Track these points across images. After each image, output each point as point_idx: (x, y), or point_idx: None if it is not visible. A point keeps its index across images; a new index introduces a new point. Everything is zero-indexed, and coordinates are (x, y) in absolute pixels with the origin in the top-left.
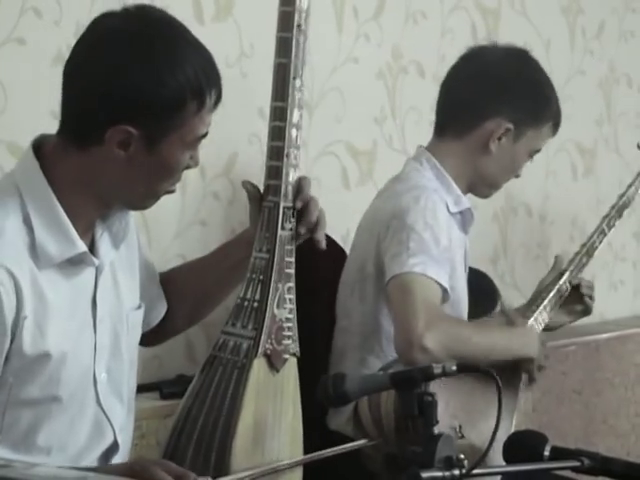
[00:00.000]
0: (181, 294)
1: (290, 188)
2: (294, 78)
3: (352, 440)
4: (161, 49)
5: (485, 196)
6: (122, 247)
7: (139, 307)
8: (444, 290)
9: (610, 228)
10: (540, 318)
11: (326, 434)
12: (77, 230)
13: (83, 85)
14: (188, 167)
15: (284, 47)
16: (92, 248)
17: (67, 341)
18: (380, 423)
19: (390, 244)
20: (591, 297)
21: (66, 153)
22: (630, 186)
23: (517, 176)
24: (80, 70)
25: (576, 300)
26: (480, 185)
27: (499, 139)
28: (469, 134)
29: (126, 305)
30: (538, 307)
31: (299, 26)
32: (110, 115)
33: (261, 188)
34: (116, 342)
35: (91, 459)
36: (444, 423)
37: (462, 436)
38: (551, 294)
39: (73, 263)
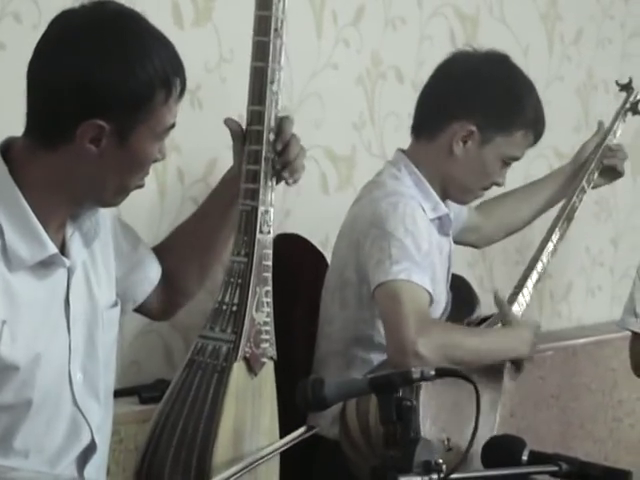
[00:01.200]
0: (184, 256)
1: (269, 191)
2: (271, 82)
3: (336, 443)
4: (127, 41)
5: (461, 202)
6: (95, 245)
7: (115, 304)
8: (429, 294)
9: (590, 184)
10: (522, 300)
11: (308, 438)
12: (48, 231)
13: (52, 82)
14: (156, 160)
15: (261, 51)
16: (63, 248)
17: (40, 342)
18: (368, 431)
19: (371, 252)
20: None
21: (34, 154)
22: (610, 129)
23: (498, 184)
24: (47, 68)
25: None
26: (452, 190)
27: (464, 142)
28: (438, 136)
29: (101, 304)
30: (520, 290)
31: (276, 30)
32: (81, 110)
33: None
34: (91, 342)
35: (69, 460)
36: (433, 437)
37: (450, 449)
38: (533, 275)
39: (44, 265)
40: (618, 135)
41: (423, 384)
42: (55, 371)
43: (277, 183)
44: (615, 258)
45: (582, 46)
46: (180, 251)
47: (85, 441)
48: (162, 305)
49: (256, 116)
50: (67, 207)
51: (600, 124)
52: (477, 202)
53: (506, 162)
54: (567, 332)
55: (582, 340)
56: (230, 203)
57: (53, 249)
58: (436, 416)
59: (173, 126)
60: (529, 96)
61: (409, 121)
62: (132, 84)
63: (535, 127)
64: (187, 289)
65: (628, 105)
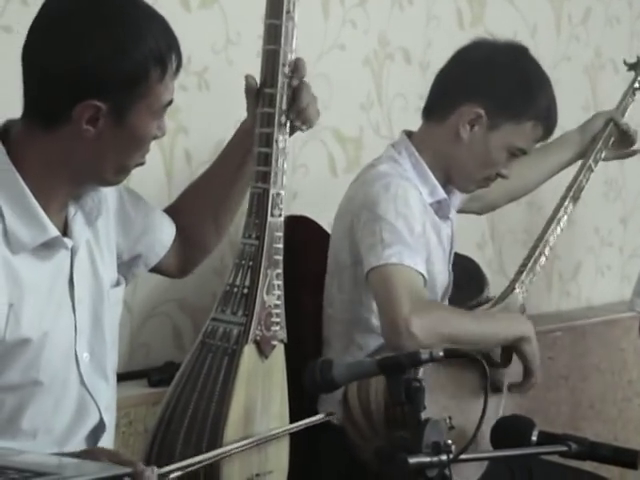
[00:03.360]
0: (199, 211)
1: (280, 175)
2: (283, 65)
3: (341, 428)
4: (120, 20)
5: (464, 189)
6: (99, 224)
7: (118, 284)
8: (422, 276)
9: (597, 162)
10: (527, 280)
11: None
12: (49, 213)
13: (47, 65)
14: (156, 137)
15: (273, 34)
16: (66, 229)
17: (45, 324)
18: (370, 414)
19: (363, 235)
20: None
21: (33, 136)
22: (618, 107)
23: (502, 176)
24: (42, 51)
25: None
26: (455, 175)
27: (472, 126)
28: (447, 119)
29: (105, 283)
30: (524, 269)
31: (288, 12)
32: (77, 91)
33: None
34: (97, 321)
35: (78, 440)
36: (434, 416)
37: (452, 427)
38: (537, 256)
39: (46, 247)
40: (627, 114)
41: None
42: (61, 351)
43: (291, 134)
44: (624, 238)
45: (590, 25)
46: (195, 206)
47: (93, 421)
48: (180, 262)
49: (268, 98)
50: (67, 188)
51: None
52: None
53: (512, 153)
54: (576, 312)
55: (591, 320)
56: (244, 156)
57: (54, 231)
58: (438, 395)
59: (170, 102)
60: (543, 89)
61: (417, 102)
62: (126, 63)
63: (546, 121)
64: (204, 244)
65: (637, 84)
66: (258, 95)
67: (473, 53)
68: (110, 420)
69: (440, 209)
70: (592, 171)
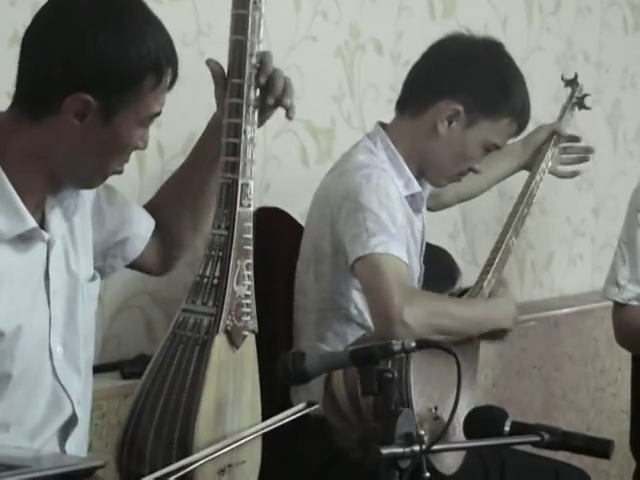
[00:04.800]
0: (177, 204)
1: (249, 165)
2: (250, 55)
3: (320, 420)
4: (126, 20)
5: (436, 184)
6: (75, 219)
7: (93, 278)
8: (406, 265)
9: (544, 173)
10: (492, 279)
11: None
12: (27, 205)
13: (46, 51)
14: (137, 148)
15: (240, 24)
16: (43, 222)
17: (20, 316)
18: (357, 402)
19: (346, 225)
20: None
21: (18, 126)
22: (560, 118)
23: (475, 171)
24: (43, 36)
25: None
26: (429, 170)
27: (449, 122)
28: (424, 113)
29: (81, 277)
30: (491, 268)
31: (255, 3)
32: (71, 82)
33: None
34: (71, 315)
35: (50, 433)
36: (421, 406)
37: (437, 417)
38: (499, 253)
39: (23, 239)
40: (566, 128)
41: (413, 355)
42: (35, 344)
43: (260, 124)
44: (596, 228)
45: (561, 16)
46: (172, 201)
47: (66, 414)
48: (160, 259)
49: (235, 89)
50: (47, 185)
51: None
52: None
53: (487, 148)
54: (549, 302)
55: (564, 310)
56: (218, 149)
57: (32, 223)
58: (423, 385)
59: (158, 114)
60: (519, 86)
61: (388, 93)
62: (124, 63)
63: (520, 117)
64: (183, 240)
65: (574, 100)
66: (225, 82)
67: (450, 49)
68: (83, 414)
69: (414, 202)
70: (541, 180)
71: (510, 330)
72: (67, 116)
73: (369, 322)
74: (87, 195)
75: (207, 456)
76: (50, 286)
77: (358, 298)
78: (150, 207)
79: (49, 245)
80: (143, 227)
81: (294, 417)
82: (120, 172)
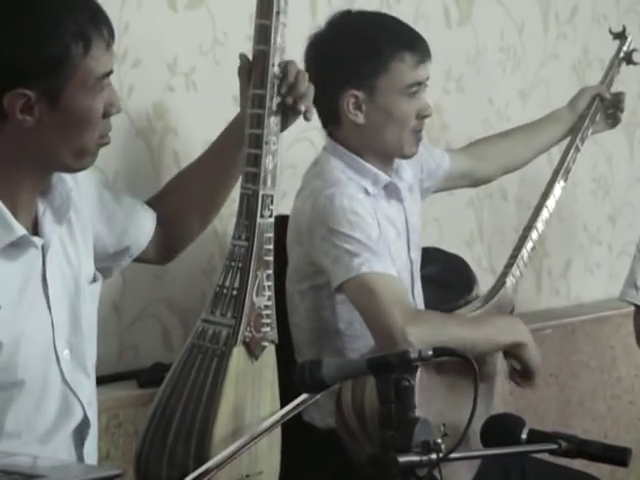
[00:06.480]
0: (187, 198)
1: (270, 176)
2: (273, 65)
3: (329, 433)
4: (35, 5)
5: (408, 153)
6: (72, 219)
7: (94, 280)
8: (396, 279)
9: (584, 141)
10: (517, 271)
11: (301, 423)
12: (16, 212)
13: None
14: (108, 114)
15: (263, 34)
16: (36, 227)
17: (19, 324)
18: (363, 419)
19: (324, 248)
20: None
21: None
22: (604, 79)
23: (426, 115)
24: None
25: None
26: (389, 151)
27: (359, 109)
28: (340, 119)
29: (81, 278)
30: (515, 260)
31: (278, 13)
32: (1, 82)
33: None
34: (75, 317)
35: (62, 437)
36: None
37: (445, 434)
38: (527, 244)
39: (15, 246)
40: (613, 85)
41: (419, 371)
42: (40, 350)
43: (283, 128)
44: (613, 236)
45: (577, 23)
46: (183, 194)
47: (78, 417)
48: (161, 250)
49: (258, 100)
50: (32, 182)
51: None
52: (463, 146)
53: (410, 92)
54: (566, 310)
55: (581, 318)
56: (237, 148)
57: (21, 231)
58: (431, 402)
59: (108, 74)
60: (377, 30)
61: None
62: (45, 47)
63: (408, 45)
64: (188, 233)
65: (622, 54)
66: (250, 74)
67: (313, 52)
68: (93, 416)
69: (389, 193)
70: (579, 151)
71: (528, 345)
72: (14, 115)
73: (361, 332)
74: (88, 197)
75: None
76: (49, 290)
77: (343, 311)
78: (158, 198)
79: (44, 250)
80: (147, 225)
81: (297, 411)
82: (106, 143)
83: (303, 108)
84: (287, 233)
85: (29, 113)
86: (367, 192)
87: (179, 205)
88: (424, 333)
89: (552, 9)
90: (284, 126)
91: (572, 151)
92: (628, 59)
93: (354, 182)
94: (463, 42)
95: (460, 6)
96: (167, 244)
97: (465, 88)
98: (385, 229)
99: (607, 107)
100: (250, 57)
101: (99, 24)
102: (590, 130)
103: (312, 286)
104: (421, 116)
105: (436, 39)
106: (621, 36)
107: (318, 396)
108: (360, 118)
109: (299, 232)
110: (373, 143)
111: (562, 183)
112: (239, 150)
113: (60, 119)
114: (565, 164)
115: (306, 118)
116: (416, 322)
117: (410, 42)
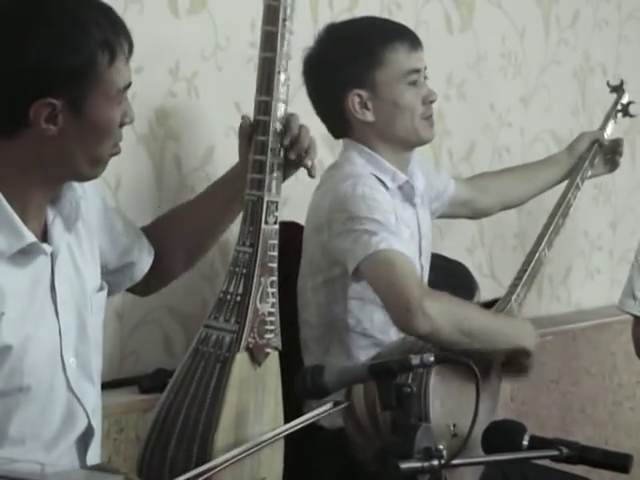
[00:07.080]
0: (177, 237)
1: (275, 182)
2: (279, 72)
3: (336, 433)
4: (61, 14)
5: (424, 139)
6: (80, 228)
7: (101, 289)
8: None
9: (583, 181)
10: (521, 294)
11: (308, 427)
12: (26, 219)
13: None
14: (123, 124)
15: (270, 41)
16: (45, 235)
17: (27, 330)
18: (376, 418)
19: (342, 235)
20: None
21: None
22: (601, 128)
23: (431, 100)
24: None
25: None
26: (401, 142)
27: (364, 108)
28: (349, 123)
29: (88, 287)
30: (520, 282)
31: (284, 20)
32: (28, 92)
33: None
34: (82, 325)
35: (66, 445)
36: (441, 423)
37: (455, 434)
38: (530, 266)
39: (24, 253)
40: (609, 134)
41: (433, 369)
42: (46, 357)
43: (285, 179)
44: (614, 241)
45: (579, 29)
46: (171, 233)
47: (82, 425)
48: (147, 282)
49: (263, 106)
50: (43, 191)
51: None
52: (467, 176)
53: (410, 82)
54: (566, 316)
55: (581, 324)
56: (229, 199)
57: (31, 238)
58: (443, 402)
59: (128, 86)
60: (358, 30)
61: None
62: (72, 56)
63: (392, 34)
64: (170, 271)
65: (619, 107)
66: (251, 137)
67: (308, 66)
68: (97, 424)
69: (405, 194)
70: (579, 189)
71: (531, 354)
72: (39, 124)
73: (369, 331)
74: (93, 208)
75: (224, 462)
76: (57, 298)
77: (354, 308)
78: (148, 230)
79: (53, 257)
80: (145, 261)
81: (320, 416)
82: (117, 153)
83: (310, 163)
84: (304, 231)
85: (53, 122)
86: (386, 187)
87: (168, 242)
88: (442, 307)
89: (553, 14)
90: (285, 177)
91: (573, 189)
92: (625, 111)
93: (374, 177)
94: (464, 48)
95: (461, 12)
96: (153, 277)
97: (466, 94)
98: (400, 228)
99: (606, 152)
100: (256, 64)
101: (122, 35)
102: (589, 172)
103: (325, 279)
104: (427, 101)
105: (437, 45)
106: (618, 89)
107: (332, 410)
108: (369, 116)
109: (318, 223)
110: (388, 137)
111: (562, 219)
112: (231, 201)
113: (82, 128)
114: (566, 200)
115: (311, 175)
116: (434, 297)
117: (397, 31)
